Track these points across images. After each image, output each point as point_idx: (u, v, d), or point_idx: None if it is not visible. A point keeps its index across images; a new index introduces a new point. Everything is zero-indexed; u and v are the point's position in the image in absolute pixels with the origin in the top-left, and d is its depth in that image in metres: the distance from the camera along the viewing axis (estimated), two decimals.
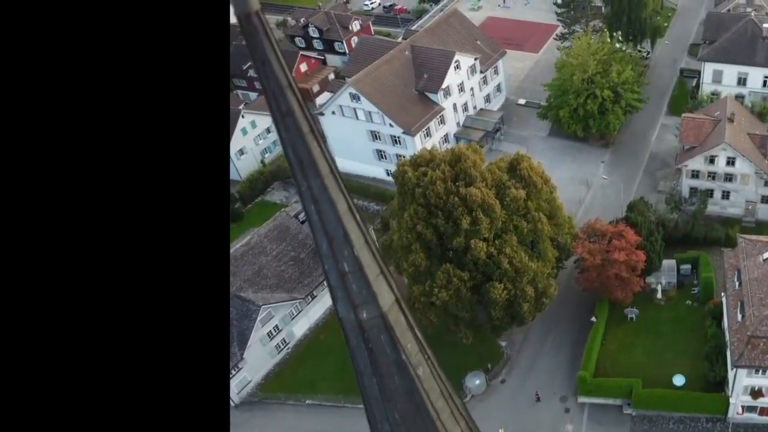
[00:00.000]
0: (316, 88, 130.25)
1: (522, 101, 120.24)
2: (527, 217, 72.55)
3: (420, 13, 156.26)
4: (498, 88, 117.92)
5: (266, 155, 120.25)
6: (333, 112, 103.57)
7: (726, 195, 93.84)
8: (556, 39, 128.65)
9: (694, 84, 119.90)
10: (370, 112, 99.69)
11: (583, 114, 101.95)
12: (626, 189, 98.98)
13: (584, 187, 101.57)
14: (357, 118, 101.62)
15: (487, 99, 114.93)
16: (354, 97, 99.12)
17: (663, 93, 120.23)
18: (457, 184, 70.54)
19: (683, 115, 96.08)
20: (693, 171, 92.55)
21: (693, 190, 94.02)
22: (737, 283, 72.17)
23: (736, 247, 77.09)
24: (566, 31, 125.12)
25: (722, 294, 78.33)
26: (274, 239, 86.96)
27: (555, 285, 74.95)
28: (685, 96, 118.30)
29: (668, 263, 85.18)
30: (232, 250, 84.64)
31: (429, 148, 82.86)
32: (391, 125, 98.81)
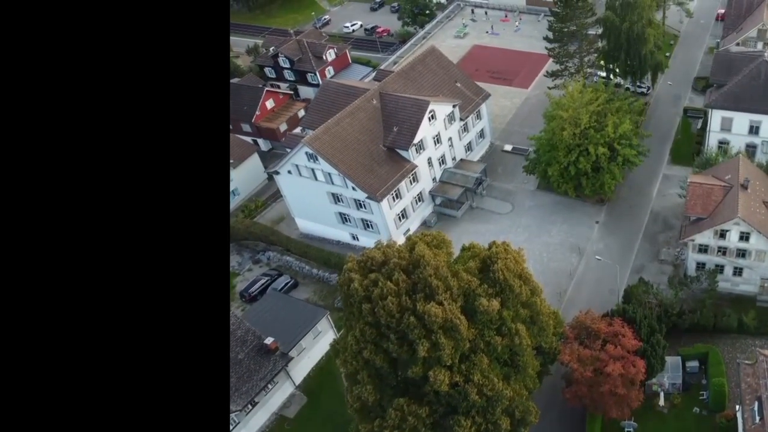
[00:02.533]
0: (283, 127, 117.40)
1: (508, 147, 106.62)
2: (502, 330, 59.61)
3: (404, 37, 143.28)
4: (481, 134, 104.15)
5: None
6: (289, 171, 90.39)
7: (738, 271, 79.68)
8: (546, 76, 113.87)
9: (699, 126, 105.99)
10: (329, 174, 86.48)
11: (574, 173, 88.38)
12: (624, 256, 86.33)
13: (576, 256, 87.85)
14: (316, 179, 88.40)
15: (469, 147, 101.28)
16: (311, 157, 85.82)
17: (665, 137, 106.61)
18: (414, 297, 57.76)
19: (689, 180, 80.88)
20: (701, 245, 78.57)
21: (700, 266, 79.97)
22: (758, 417, 58.76)
23: (755, 361, 63.24)
24: (559, 67, 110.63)
25: (737, 406, 65.38)
26: None
27: (535, 410, 60.88)
28: (690, 141, 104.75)
29: (672, 360, 72.14)
30: None
31: (383, 242, 68.95)
32: (354, 188, 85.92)
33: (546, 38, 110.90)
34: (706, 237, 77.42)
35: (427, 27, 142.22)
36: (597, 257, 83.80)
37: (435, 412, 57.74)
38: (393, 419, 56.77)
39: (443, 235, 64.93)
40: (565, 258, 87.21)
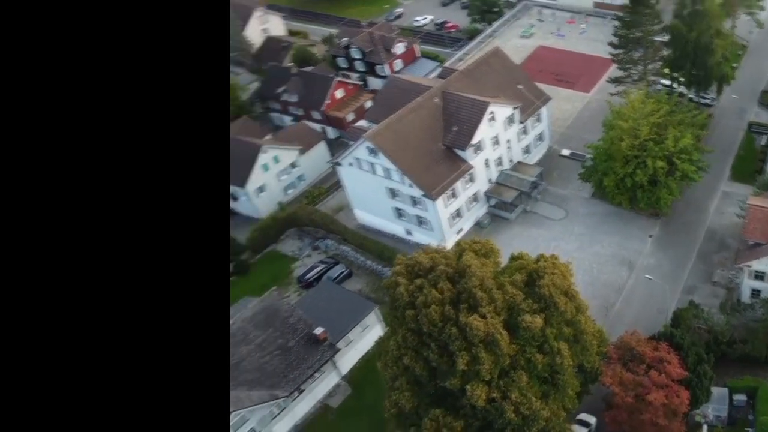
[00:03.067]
0: (350, 117, 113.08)
1: (566, 152, 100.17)
2: (543, 347, 54.75)
3: (471, 33, 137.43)
4: (540, 137, 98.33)
5: (289, 192, 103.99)
6: (350, 164, 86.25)
7: None
8: (609, 82, 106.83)
9: (763, 142, 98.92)
10: (388, 169, 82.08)
11: (630, 185, 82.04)
12: (676, 275, 79.82)
13: (626, 270, 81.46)
14: (375, 173, 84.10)
15: (527, 150, 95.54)
16: (372, 151, 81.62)
17: (726, 152, 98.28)
18: (458, 307, 53.32)
19: (749, 202, 74.82)
20: (757, 272, 71.70)
21: (755, 293, 73.12)
22: None
23: None
24: (622, 74, 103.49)
25: None
26: (259, 324, 70.14)
27: None
28: (753, 158, 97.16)
29: (719, 392, 65.52)
30: None
31: (433, 244, 64.41)
32: (410, 185, 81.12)
33: (611, 44, 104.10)
34: (763, 264, 71.15)
35: (495, 25, 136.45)
36: (647, 276, 77.06)
37: (470, 426, 54.17)
38: (428, 429, 53.48)
39: (492, 244, 60.34)
40: (615, 271, 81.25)
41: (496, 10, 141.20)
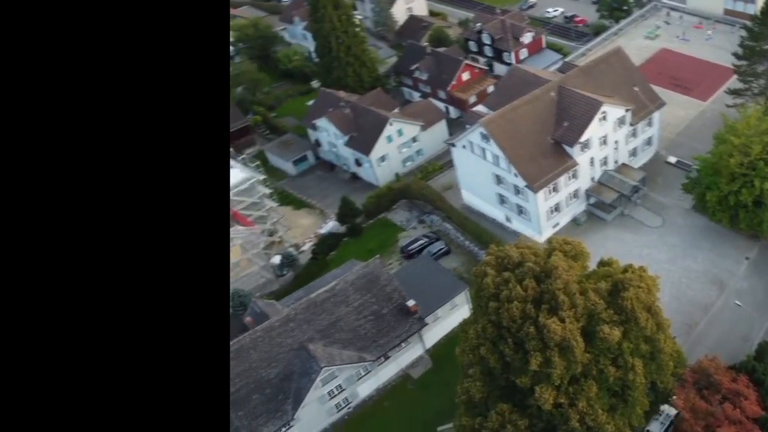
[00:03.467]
0: (472, 99, 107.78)
1: (673, 159, 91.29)
2: (618, 360, 49.46)
3: (597, 29, 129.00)
4: (648, 141, 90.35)
5: (406, 164, 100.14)
6: (464, 146, 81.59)
7: None
8: (727, 93, 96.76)
9: None
10: (497, 156, 76.95)
11: (733, 203, 73.33)
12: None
13: (716, 290, 72.91)
14: (484, 158, 79.09)
15: (633, 153, 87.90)
16: (484, 137, 76.71)
17: None
18: (539, 307, 48.77)
19: None
20: None
21: None
22: None
23: None
24: (742, 86, 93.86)
25: None
26: (359, 288, 67.69)
27: None
28: None
29: None
30: (313, 295, 66.75)
31: (528, 236, 59.21)
32: (515, 175, 75.68)
33: (735, 54, 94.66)
34: None
35: (622, 23, 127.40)
36: (737, 302, 69.15)
37: (534, 426, 50.38)
38: (493, 422, 50.24)
39: (582, 247, 55.26)
40: (705, 289, 73.07)
41: (625, 8, 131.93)
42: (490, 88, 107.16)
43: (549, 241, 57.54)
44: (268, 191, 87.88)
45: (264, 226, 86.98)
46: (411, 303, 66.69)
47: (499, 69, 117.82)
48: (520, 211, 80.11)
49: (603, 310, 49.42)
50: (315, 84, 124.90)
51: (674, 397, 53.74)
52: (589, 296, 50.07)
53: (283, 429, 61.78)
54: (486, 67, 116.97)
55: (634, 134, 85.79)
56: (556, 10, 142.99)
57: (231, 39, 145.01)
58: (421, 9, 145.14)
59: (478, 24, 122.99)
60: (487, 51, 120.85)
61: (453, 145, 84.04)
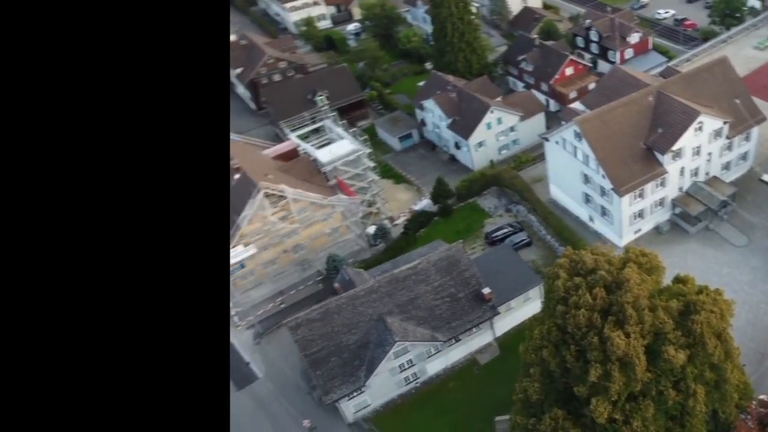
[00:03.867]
0: (573, 95, 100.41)
1: (767, 177, 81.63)
2: (679, 385, 43.84)
3: (707, 35, 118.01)
4: (743, 156, 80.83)
5: (502, 152, 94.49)
6: (557, 142, 75.62)
7: None
8: None
9: None
10: (587, 156, 70.70)
11: None
12: None
13: None
14: (575, 156, 72.89)
15: (726, 166, 78.77)
16: (577, 136, 70.60)
17: None
18: (606, 318, 43.76)
19: None
20: None
21: None
22: None
23: None
24: None
25: None
26: (440, 270, 64.10)
27: None
28: None
29: None
30: (397, 270, 63.61)
31: (609, 241, 53.18)
32: (603, 176, 69.20)
33: None
34: None
35: (732, 30, 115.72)
36: None
37: None
38: (546, 426, 46.07)
39: (659, 261, 49.73)
40: None
41: (738, 15, 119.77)
42: (592, 85, 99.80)
43: (626, 250, 52.04)
44: (372, 164, 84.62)
45: (364, 197, 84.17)
46: (486, 290, 62.57)
47: (603, 67, 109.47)
48: (604, 212, 73.87)
49: (671, 330, 43.98)
50: (428, 66, 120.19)
51: (735, 429, 47.44)
52: (658, 314, 44.67)
53: (355, 393, 59.86)
54: (590, 64, 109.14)
55: (729, 147, 77.07)
56: (667, 12, 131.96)
57: (358, 16, 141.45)
58: (536, 1, 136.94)
59: (588, 20, 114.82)
60: (593, 48, 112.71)
61: (546, 139, 78.13)
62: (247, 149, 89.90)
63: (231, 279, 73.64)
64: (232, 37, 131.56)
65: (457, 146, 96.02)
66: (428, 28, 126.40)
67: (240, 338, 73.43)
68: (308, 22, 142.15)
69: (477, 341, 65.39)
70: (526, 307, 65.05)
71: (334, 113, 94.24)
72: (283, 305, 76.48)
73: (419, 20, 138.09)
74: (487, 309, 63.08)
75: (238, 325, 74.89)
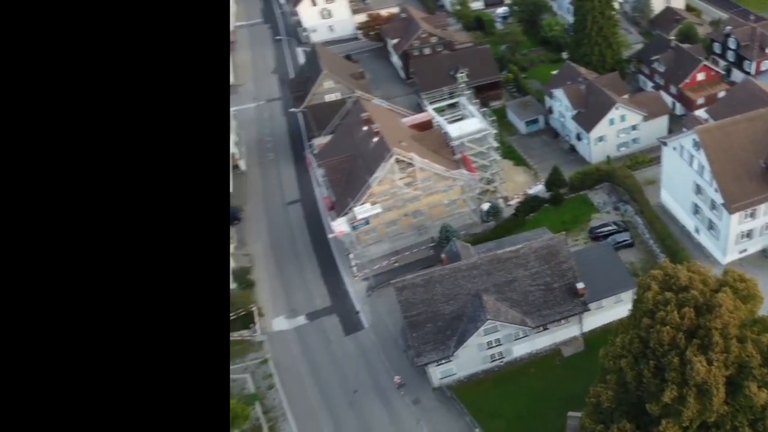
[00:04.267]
0: (701, 101, 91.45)
1: None
2: (756, 424, 39.37)
3: None
4: None
5: (620, 149, 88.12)
6: (674, 148, 69.30)
7: None
8: None
9: None
10: (703, 167, 64.30)
11: None
12: None
13: None
14: (690, 165, 66.55)
15: None
16: (696, 145, 64.31)
17: None
18: (690, 340, 39.84)
19: None
20: None
21: None
22: None
23: None
24: None
25: None
26: (540, 257, 60.94)
27: None
28: None
29: None
30: (500, 251, 61.02)
31: (711, 259, 47.82)
32: (716, 190, 62.72)
33: None
34: None
35: None
36: None
37: None
38: None
39: (757, 290, 44.82)
40: None
41: None
42: (721, 94, 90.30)
43: (724, 272, 46.66)
44: (496, 145, 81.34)
45: (484, 174, 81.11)
46: (580, 285, 58.90)
47: (737, 76, 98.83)
48: (711, 226, 67.18)
49: (757, 365, 39.36)
50: (564, 55, 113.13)
51: None
52: (746, 346, 40.09)
53: (443, 361, 58.32)
54: (723, 72, 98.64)
55: None
56: None
57: (509, 1, 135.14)
58: (679, 2, 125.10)
59: (728, 27, 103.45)
60: (730, 56, 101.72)
61: (665, 144, 71.61)
62: (389, 115, 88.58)
63: (355, 233, 73.72)
64: (394, 9, 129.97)
65: (579, 137, 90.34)
66: (570, 19, 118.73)
67: (355, 288, 73.59)
68: (462, 2, 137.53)
69: (563, 333, 61.72)
70: (617, 308, 60.17)
71: (470, 91, 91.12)
72: (396, 264, 75.69)
73: (563, 10, 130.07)
74: (579, 303, 59.34)
75: (355, 275, 74.96)
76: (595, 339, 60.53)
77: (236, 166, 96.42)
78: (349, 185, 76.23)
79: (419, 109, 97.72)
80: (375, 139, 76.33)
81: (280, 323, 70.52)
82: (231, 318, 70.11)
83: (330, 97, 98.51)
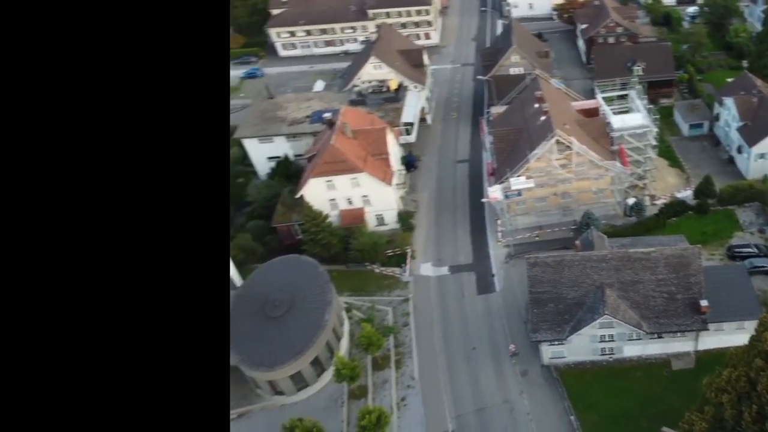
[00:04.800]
0: None
1: None
2: None
3: None
4: None
5: None
6: None
7: None
8: None
9: None
10: None
11: None
12: None
13: None
14: None
15: None
16: None
17: None
18: None
19: None
20: None
21: None
22: None
23: None
24: None
25: None
26: (669, 265, 55.35)
27: None
28: None
29: None
30: (632, 250, 55.95)
31: None
32: None
33: None
34: None
35: None
36: None
37: None
38: None
39: None
40: None
41: None
42: None
43: None
44: (654, 143, 74.02)
45: (636, 170, 74.53)
46: (704, 303, 53.05)
47: None
48: None
49: None
50: (744, 64, 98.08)
51: None
52: None
53: (556, 342, 55.53)
54: None
55: None
56: None
57: (700, 1, 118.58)
58: None
59: None
60: None
61: None
62: (560, 97, 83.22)
63: (506, 201, 71.69)
64: None
65: (739, 150, 79.19)
66: (759, 28, 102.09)
67: (496, 252, 71.97)
68: None
69: (677, 345, 55.86)
70: (737, 335, 52.57)
71: (642, 86, 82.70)
72: (537, 238, 72.62)
73: (754, 18, 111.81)
74: (698, 320, 53.41)
75: (498, 241, 73.21)
76: (708, 359, 54.12)
77: (423, 119, 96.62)
78: (510, 156, 73.56)
79: (592, 95, 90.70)
80: (542, 118, 72.44)
81: (427, 269, 71.04)
82: (388, 254, 72.49)
83: (514, 71, 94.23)
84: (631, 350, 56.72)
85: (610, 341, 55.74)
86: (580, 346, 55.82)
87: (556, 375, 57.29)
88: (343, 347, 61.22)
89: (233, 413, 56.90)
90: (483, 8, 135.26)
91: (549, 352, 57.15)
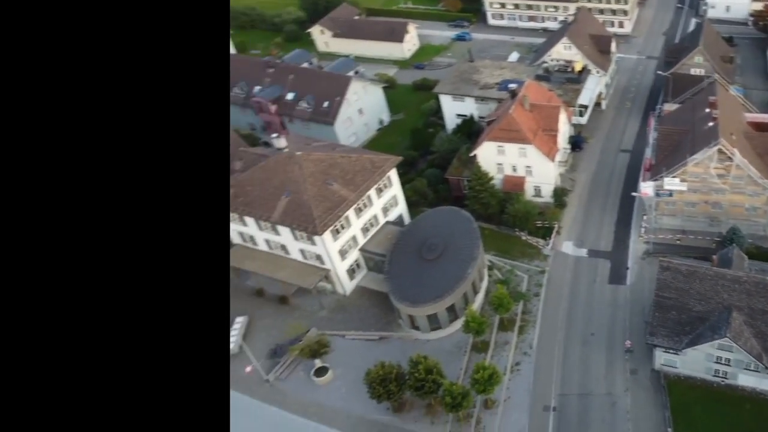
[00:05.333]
0: None
1: None
2: None
3: None
4: None
5: None
6: None
7: None
8: None
9: None
10: None
11: None
12: None
13: None
14: None
15: None
16: None
17: None
18: None
19: None
20: None
21: None
22: None
23: None
24: None
25: None
26: None
27: None
28: None
29: None
30: (752, 272, 56.73)
31: None
32: None
33: None
34: None
35: None
36: None
37: None
38: None
39: None
40: None
41: None
42: None
43: None
44: None
45: None
46: None
47: None
48: None
49: None
50: None
51: None
52: None
53: (671, 350, 55.88)
54: None
55: None
56: None
57: None
58: None
59: None
60: None
61: None
62: (734, 106, 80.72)
63: (656, 199, 72.12)
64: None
65: None
66: None
67: (635, 246, 73.24)
68: None
69: None
70: None
71: None
72: (678, 242, 73.37)
73: None
74: None
75: (640, 236, 74.43)
76: None
77: (598, 104, 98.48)
78: (671, 155, 73.93)
79: None
80: (710, 124, 71.96)
81: (568, 247, 74.16)
82: (537, 225, 76.31)
83: (695, 71, 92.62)
84: (747, 380, 54.51)
85: (726, 365, 53.99)
86: (694, 361, 54.87)
87: (664, 383, 56.73)
88: (477, 302, 67.08)
89: (376, 334, 64.17)
90: (679, 4, 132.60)
91: (662, 358, 56.87)
